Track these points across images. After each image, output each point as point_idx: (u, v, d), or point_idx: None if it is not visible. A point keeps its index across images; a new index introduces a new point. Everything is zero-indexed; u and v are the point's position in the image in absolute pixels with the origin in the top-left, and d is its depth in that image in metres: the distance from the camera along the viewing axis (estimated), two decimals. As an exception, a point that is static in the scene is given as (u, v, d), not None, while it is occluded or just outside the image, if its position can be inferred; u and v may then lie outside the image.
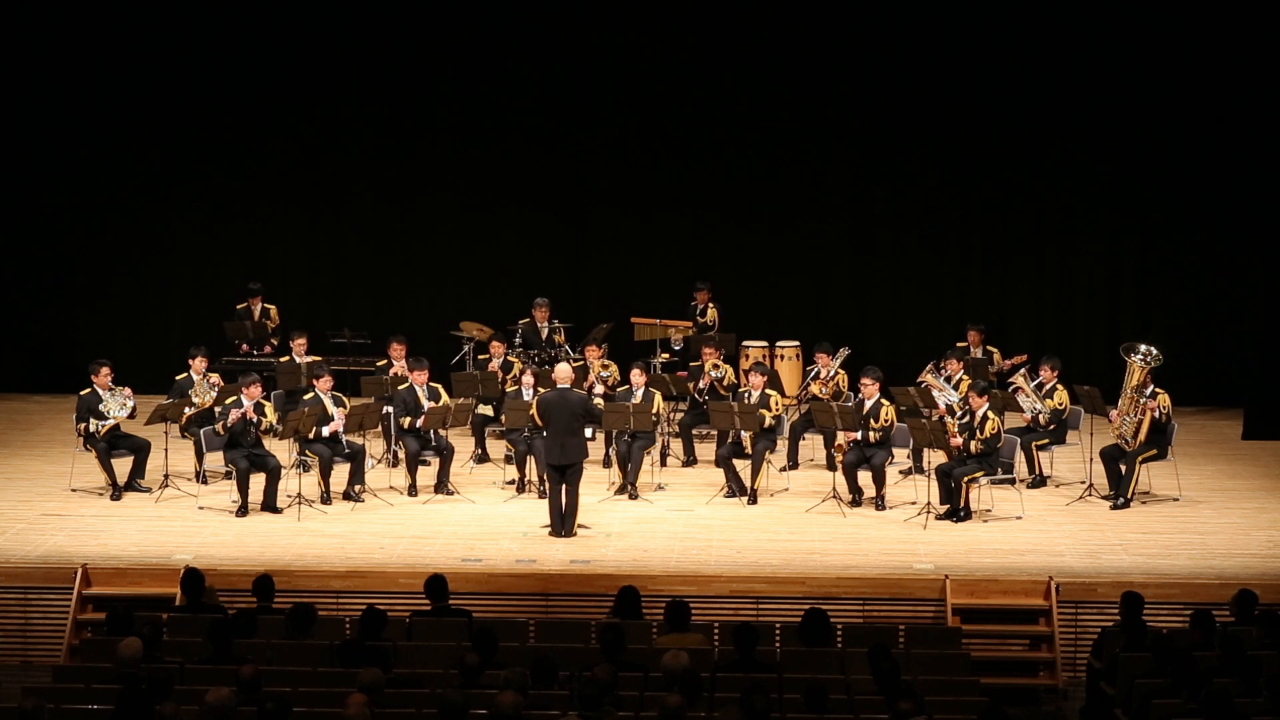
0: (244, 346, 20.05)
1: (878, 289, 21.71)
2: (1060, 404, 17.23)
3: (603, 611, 13.22)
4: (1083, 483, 16.94)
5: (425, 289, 21.83)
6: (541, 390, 16.52)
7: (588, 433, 16.06)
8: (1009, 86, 20.93)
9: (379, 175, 21.79)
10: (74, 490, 16.89)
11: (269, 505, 16.19)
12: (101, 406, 16.67)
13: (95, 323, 21.57)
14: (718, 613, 13.89)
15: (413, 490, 16.85)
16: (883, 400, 16.70)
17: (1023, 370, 17.66)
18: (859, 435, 16.49)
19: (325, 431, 16.49)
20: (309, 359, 18.55)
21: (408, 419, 16.97)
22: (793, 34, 21.23)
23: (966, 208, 21.49)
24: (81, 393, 16.85)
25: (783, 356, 20.48)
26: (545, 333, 19.66)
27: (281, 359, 18.97)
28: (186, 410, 17.06)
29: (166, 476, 16.82)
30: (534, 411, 15.78)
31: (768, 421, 16.64)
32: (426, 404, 16.99)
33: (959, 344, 19.07)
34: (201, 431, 16.62)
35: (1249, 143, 19.92)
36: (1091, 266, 21.40)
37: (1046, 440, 17.25)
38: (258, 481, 16.25)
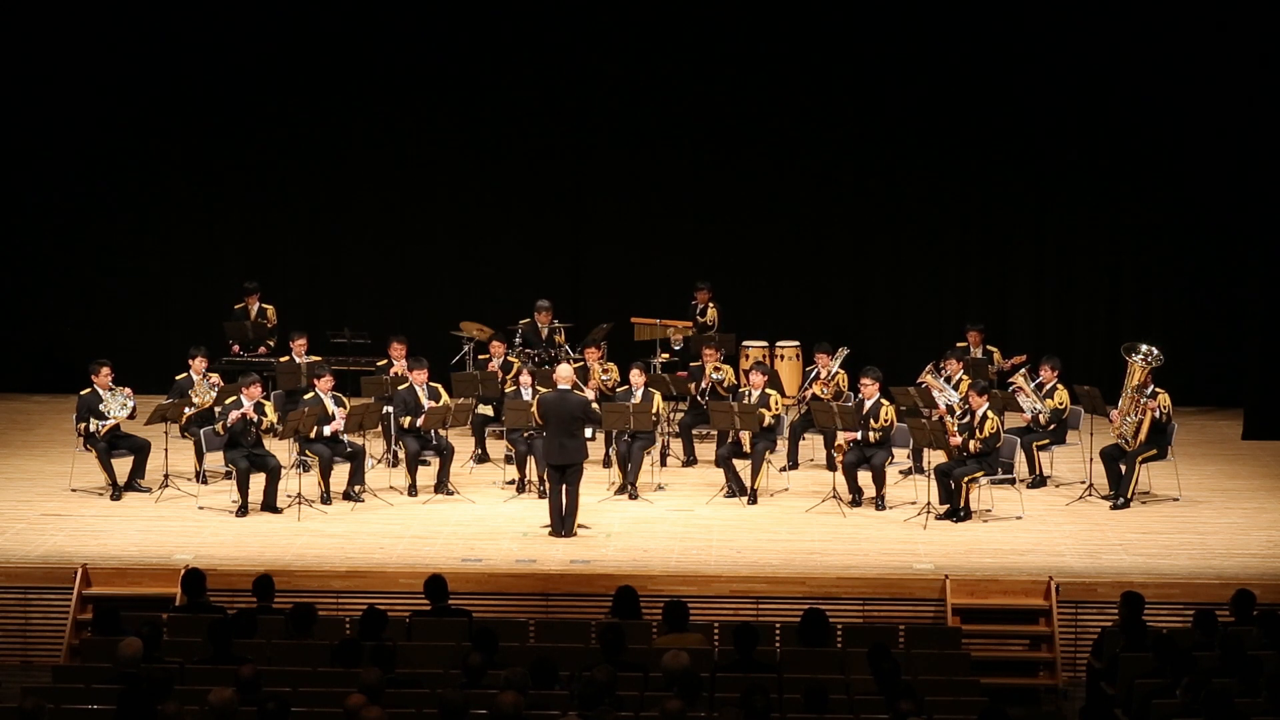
0: (235, 347, 20.04)
1: (877, 289, 21.71)
2: (1060, 404, 17.23)
3: (603, 611, 13.23)
4: (1083, 483, 16.94)
5: (425, 289, 21.83)
6: (540, 389, 16.53)
7: (588, 433, 16.06)
8: (1009, 86, 20.94)
9: (379, 175, 21.79)
10: (74, 490, 16.89)
11: (269, 505, 16.19)
12: (101, 406, 16.67)
13: (95, 323, 21.56)
14: (718, 613, 13.89)
15: (413, 490, 16.85)
16: (883, 400, 16.70)
17: (1023, 370, 17.66)
18: (859, 435, 16.49)
19: (326, 431, 16.49)
20: (309, 359, 18.55)
21: (408, 419, 16.97)
22: (793, 34, 21.22)
23: (966, 208, 21.49)
24: (81, 393, 16.85)
25: (783, 356, 20.48)
26: (545, 333, 19.66)
27: (281, 359, 18.96)
28: (186, 410, 17.06)
29: (166, 476, 16.82)
30: (534, 411, 15.78)
31: (767, 421, 16.64)
32: (426, 404, 16.99)
33: (959, 344, 19.07)
34: (201, 431, 16.62)
35: (1249, 142, 19.92)
36: (1091, 266, 21.39)
37: (1046, 440, 17.25)
38: (258, 481, 16.24)
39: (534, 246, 21.75)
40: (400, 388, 17.24)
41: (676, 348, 19.92)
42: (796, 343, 20.62)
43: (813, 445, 18.20)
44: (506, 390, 17.85)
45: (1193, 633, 12.19)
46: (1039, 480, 17.23)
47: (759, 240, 21.67)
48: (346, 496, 16.65)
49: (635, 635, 12.19)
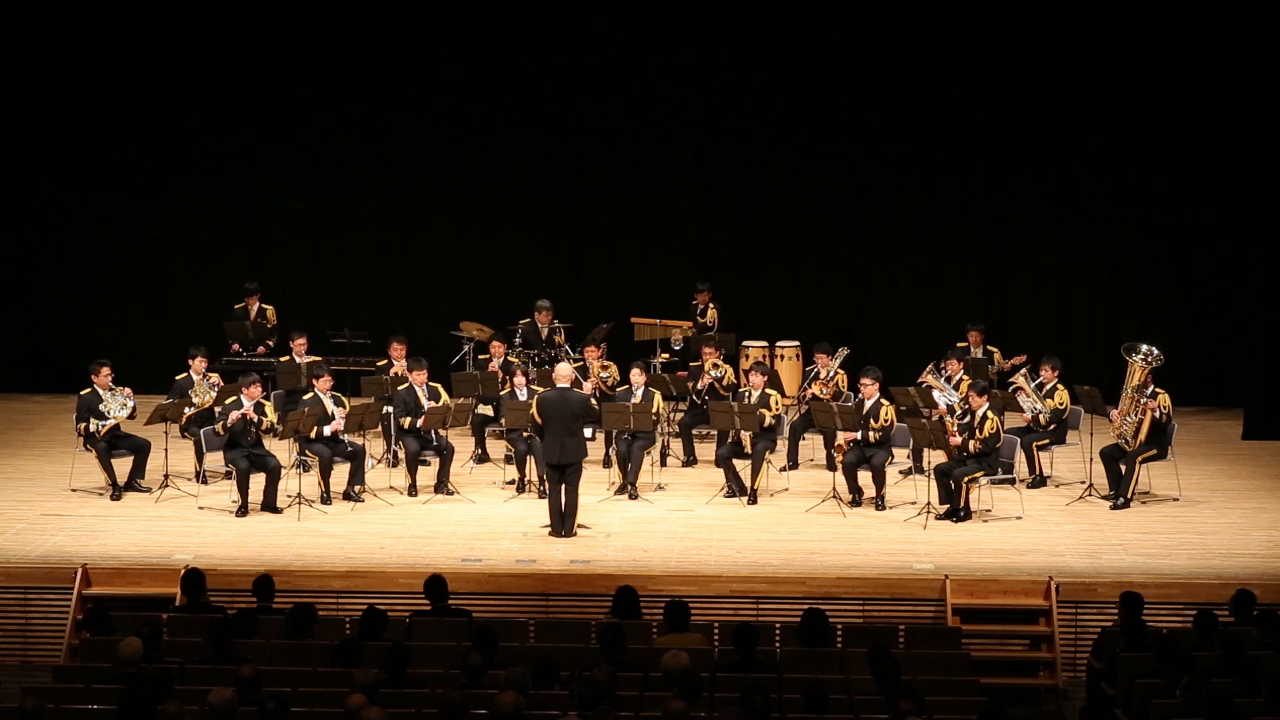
0: (235, 346, 20.04)
1: (877, 289, 21.72)
2: (1060, 404, 17.23)
3: (603, 611, 13.23)
4: (1083, 483, 16.94)
5: (425, 289, 21.83)
6: (537, 389, 16.54)
7: (587, 433, 16.05)
8: (1009, 87, 20.94)
9: (379, 175, 21.78)
10: (74, 490, 16.89)
11: (269, 505, 16.19)
12: (102, 406, 16.67)
13: (95, 323, 21.56)
14: (718, 613, 13.89)
15: (413, 490, 16.85)
16: (883, 400, 16.70)
17: (1023, 370, 17.66)
18: (859, 435, 16.49)
19: (326, 431, 16.49)
20: (309, 359, 18.55)
21: (408, 419, 16.97)
22: (793, 34, 21.22)
23: (966, 208, 21.49)
24: (81, 393, 16.85)
25: (783, 356, 20.49)
26: (545, 333, 19.66)
27: (281, 359, 18.97)
28: (186, 410, 17.06)
29: (166, 476, 16.82)
30: (534, 411, 15.78)
31: (767, 421, 16.64)
32: (426, 404, 16.99)
33: (959, 344, 19.08)
34: (201, 431, 16.62)
35: (1249, 143, 19.91)
36: (1091, 266, 21.39)
37: (1046, 440, 17.25)
38: (258, 481, 16.24)
39: (534, 246, 21.76)
40: (400, 388, 17.24)
41: (676, 348, 19.92)
42: (796, 343, 20.62)
43: (813, 445, 18.20)
44: (503, 392, 17.84)
45: (1193, 633, 12.18)
46: (1039, 480, 17.23)
47: (759, 240, 21.68)
48: (346, 496, 16.65)
49: (635, 635, 12.19)
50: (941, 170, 21.37)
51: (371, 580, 14.33)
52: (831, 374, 17.80)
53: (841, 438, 16.58)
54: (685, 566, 14.67)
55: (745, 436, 16.74)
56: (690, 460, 18.22)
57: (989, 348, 19.21)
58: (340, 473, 16.69)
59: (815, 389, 17.67)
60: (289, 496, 16.28)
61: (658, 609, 12.61)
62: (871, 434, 16.49)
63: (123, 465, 16.90)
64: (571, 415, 15.47)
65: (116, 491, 16.68)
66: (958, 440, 15.95)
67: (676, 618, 12.19)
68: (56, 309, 21.83)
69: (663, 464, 17.87)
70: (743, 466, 16.78)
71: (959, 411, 16.34)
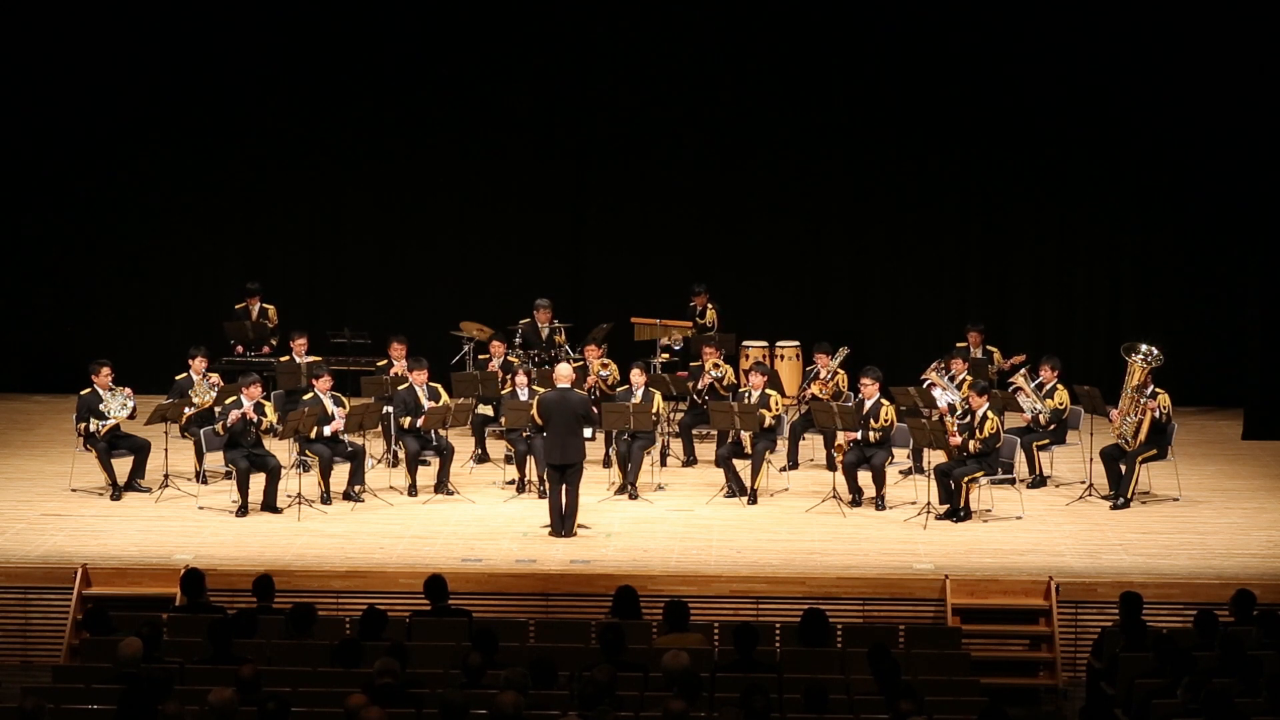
0: (239, 348, 20.05)
1: (877, 289, 21.72)
2: (1060, 404, 17.23)
3: (603, 611, 13.23)
4: (1083, 483, 16.94)
5: (425, 289, 21.83)
6: (538, 389, 16.54)
7: (587, 433, 16.05)
8: (1009, 87, 20.94)
9: (379, 175, 21.79)
10: (74, 490, 16.89)
11: (269, 505, 16.19)
12: (102, 406, 16.67)
13: (95, 323, 21.56)
14: (718, 613, 13.89)
15: (413, 490, 16.85)
16: (883, 400, 16.70)
17: (1023, 370, 17.66)
18: (859, 435, 16.49)
19: (326, 431, 16.49)
20: (309, 359, 18.55)
21: (408, 419, 16.97)
22: (793, 34, 21.23)
23: (966, 208, 21.49)
24: (82, 393, 16.85)
25: (783, 356, 20.49)
26: (545, 333, 19.66)
27: (281, 359, 18.97)
28: (186, 410, 17.06)
29: (166, 476, 16.82)
30: (534, 411, 15.79)
31: (767, 421, 16.64)
32: (426, 404, 16.99)
33: (959, 344, 19.07)
34: (201, 431, 16.62)
35: (1248, 142, 19.91)
36: (1091, 266, 21.40)
37: (1046, 440, 17.25)
38: (258, 481, 16.24)
39: (534, 247, 21.76)
40: (400, 388, 17.24)
41: (676, 348, 19.91)
42: (796, 343, 20.62)
43: (813, 445, 18.20)
44: (504, 391, 17.85)
45: (1193, 633, 12.19)
46: (1039, 480, 17.23)
47: (759, 240, 21.67)
48: (346, 496, 16.65)
49: (635, 635, 12.19)
50: (941, 170, 21.37)
51: (371, 580, 14.33)
52: (831, 374, 17.81)
53: (841, 438, 16.58)
54: (685, 566, 14.67)
55: (745, 436, 16.74)
56: (690, 460, 18.22)
57: (989, 348, 19.21)
58: (340, 473, 16.69)
59: (815, 389, 17.67)
60: (289, 496, 16.28)
61: (658, 609, 12.60)
62: (871, 434, 16.49)
63: (123, 465, 16.90)
64: (572, 415, 15.47)
65: (116, 491, 16.68)
66: (958, 440, 15.95)
67: (676, 618, 12.19)
68: (56, 309, 21.82)
69: (663, 464, 17.87)
70: (743, 466, 16.78)
71: (959, 411, 16.33)
